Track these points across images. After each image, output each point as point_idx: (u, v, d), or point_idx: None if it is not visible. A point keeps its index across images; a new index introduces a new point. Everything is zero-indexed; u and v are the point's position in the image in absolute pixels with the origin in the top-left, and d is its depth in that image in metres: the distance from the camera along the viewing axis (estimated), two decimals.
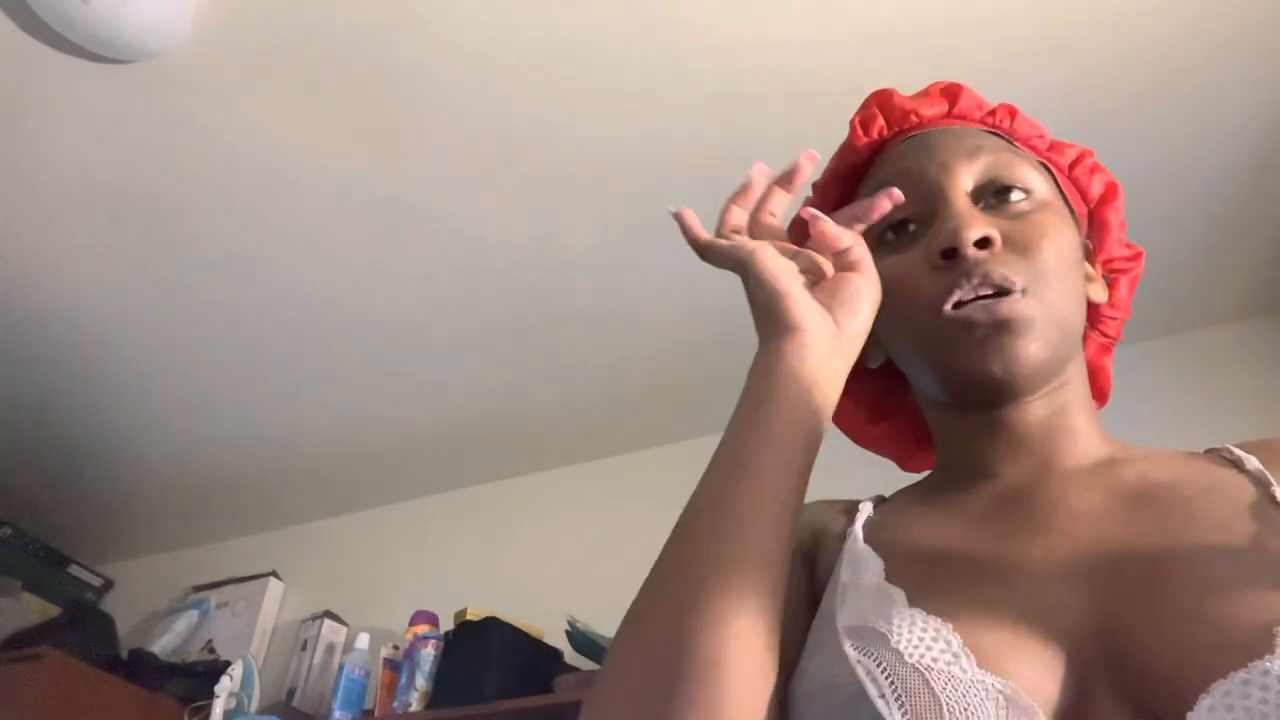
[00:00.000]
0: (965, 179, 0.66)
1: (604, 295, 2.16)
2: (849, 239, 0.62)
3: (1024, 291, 0.60)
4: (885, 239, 0.67)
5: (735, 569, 0.52)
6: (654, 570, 0.55)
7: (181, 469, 2.77)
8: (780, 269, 0.60)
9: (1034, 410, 0.64)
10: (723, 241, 0.63)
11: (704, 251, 0.64)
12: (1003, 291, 0.60)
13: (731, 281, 0.72)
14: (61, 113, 1.83)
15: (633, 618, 0.54)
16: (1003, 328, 0.60)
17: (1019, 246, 0.62)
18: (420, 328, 2.27)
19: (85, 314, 2.28)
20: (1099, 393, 0.76)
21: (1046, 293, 0.61)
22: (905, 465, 0.80)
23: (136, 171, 1.94)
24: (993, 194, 0.66)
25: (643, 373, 2.36)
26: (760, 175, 0.67)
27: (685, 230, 0.65)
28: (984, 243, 0.61)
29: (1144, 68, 1.68)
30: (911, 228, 0.66)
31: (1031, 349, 0.60)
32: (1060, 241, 0.64)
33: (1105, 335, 0.74)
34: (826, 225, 0.62)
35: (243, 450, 2.69)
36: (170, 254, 2.11)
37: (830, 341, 0.58)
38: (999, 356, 0.60)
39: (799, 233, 0.69)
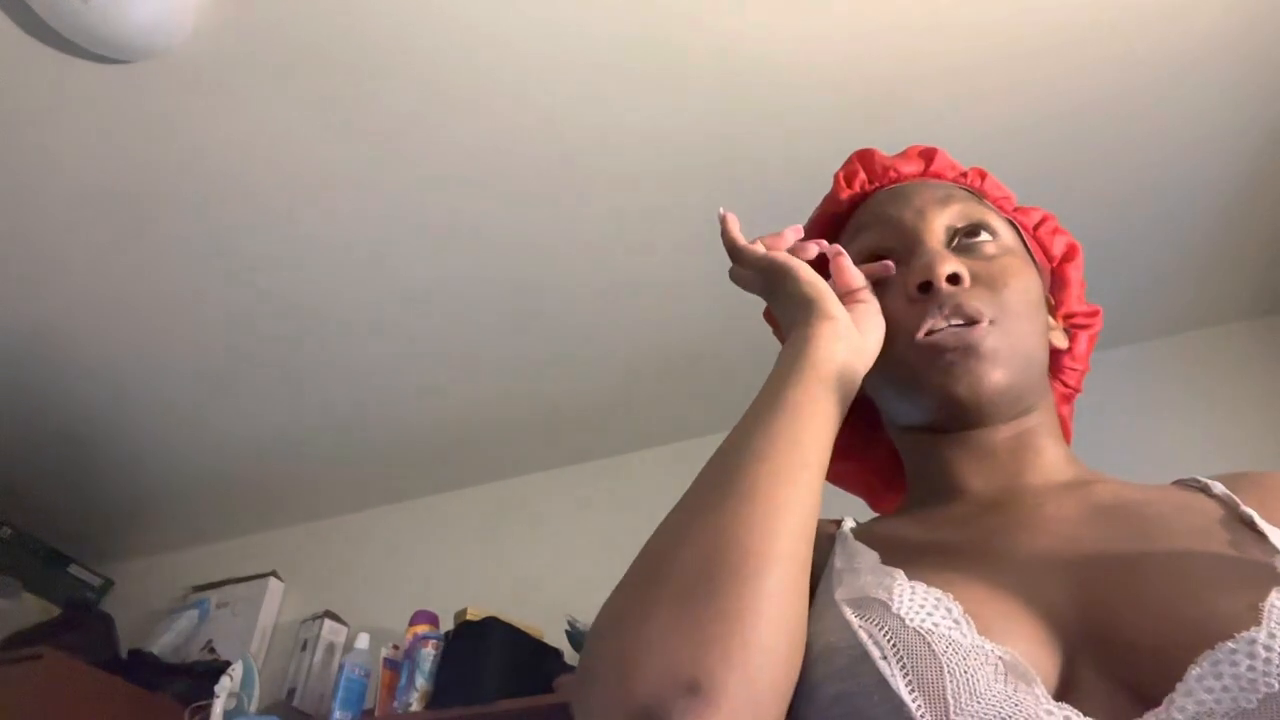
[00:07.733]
0: (938, 223, 0.72)
1: (605, 294, 2.16)
2: (862, 281, 0.70)
3: (992, 322, 0.66)
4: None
5: (782, 486, 0.55)
6: (690, 492, 0.57)
7: (182, 469, 2.77)
8: (817, 275, 0.68)
9: (1001, 432, 0.69)
10: (759, 248, 0.71)
11: (739, 253, 0.71)
12: (972, 321, 0.66)
13: (731, 283, 0.73)
14: (61, 113, 1.83)
15: (668, 530, 0.55)
16: (970, 352, 0.65)
17: (987, 283, 0.68)
18: (420, 327, 2.27)
19: (85, 313, 2.27)
20: None
21: (1012, 326, 0.67)
22: (874, 504, 0.85)
23: (136, 171, 1.94)
24: (964, 235, 0.72)
25: (644, 372, 2.36)
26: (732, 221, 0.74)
27: (725, 231, 0.72)
28: (954, 279, 0.67)
29: (1146, 72, 1.69)
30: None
31: (995, 375, 0.65)
32: (1025, 283, 0.70)
33: (1065, 385, 0.79)
34: (846, 262, 0.70)
35: (243, 450, 2.68)
36: (170, 254, 2.11)
37: (856, 338, 0.65)
38: (965, 379, 0.65)
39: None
